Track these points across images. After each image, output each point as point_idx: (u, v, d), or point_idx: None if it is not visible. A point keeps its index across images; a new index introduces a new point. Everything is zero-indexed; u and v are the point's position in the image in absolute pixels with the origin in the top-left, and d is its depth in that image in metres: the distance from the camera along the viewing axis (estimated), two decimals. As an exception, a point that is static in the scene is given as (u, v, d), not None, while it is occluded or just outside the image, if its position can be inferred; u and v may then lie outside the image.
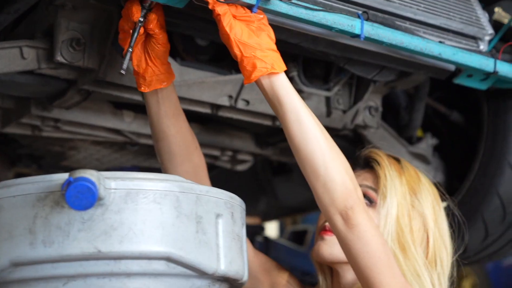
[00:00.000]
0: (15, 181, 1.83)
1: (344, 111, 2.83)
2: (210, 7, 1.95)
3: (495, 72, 2.45)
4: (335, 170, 1.97)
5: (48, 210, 1.77)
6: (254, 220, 4.59)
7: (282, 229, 7.85)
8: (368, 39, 2.21)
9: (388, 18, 2.26)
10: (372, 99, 2.88)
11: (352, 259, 2.03)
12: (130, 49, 2.06)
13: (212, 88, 2.55)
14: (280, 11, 2.04)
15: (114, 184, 1.79)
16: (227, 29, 1.94)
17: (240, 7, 1.99)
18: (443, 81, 3.02)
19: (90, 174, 1.69)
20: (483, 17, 2.56)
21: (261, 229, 4.73)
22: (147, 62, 2.13)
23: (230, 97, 2.59)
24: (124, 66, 2.05)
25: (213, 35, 2.45)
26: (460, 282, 8.86)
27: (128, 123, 2.83)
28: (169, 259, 1.82)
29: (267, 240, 4.75)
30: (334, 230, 2.02)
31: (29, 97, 2.58)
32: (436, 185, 2.43)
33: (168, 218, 1.82)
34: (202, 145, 2.85)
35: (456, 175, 3.20)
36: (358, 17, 2.18)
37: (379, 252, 2.01)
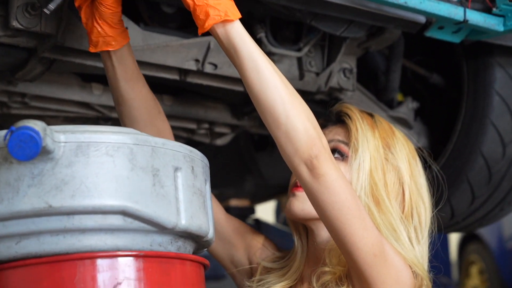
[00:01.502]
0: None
1: (317, 74, 2.76)
2: None
3: (465, 21, 2.38)
4: (297, 117, 1.91)
5: (-4, 167, 1.72)
6: (243, 202, 4.54)
7: (278, 213, 7.78)
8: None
9: None
10: (346, 61, 2.82)
11: (321, 212, 1.98)
12: None
13: (177, 52, 2.49)
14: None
15: (63, 137, 1.73)
16: None
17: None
18: (421, 44, 2.97)
19: (34, 124, 1.63)
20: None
21: (251, 211, 4.68)
22: (93, 21, 2.07)
23: (197, 61, 2.54)
24: (50, 6, 2.01)
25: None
26: (468, 268, 8.80)
27: (98, 96, 2.78)
28: (125, 213, 1.77)
29: (258, 222, 4.70)
30: (301, 182, 1.97)
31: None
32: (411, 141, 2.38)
33: (122, 171, 1.77)
34: (176, 117, 2.82)
35: (440, 139, 3.14)
36: None
37: (348, 203, 1.95)
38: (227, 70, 2.59)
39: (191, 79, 2.63)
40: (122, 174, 1.77)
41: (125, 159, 1.78)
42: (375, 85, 3.18)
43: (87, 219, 1.75)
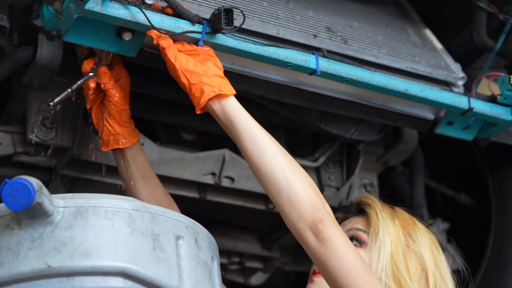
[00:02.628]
0: (-34, 210, 1.83)
1: (338, 188, 2.79)
2: (154, 42, 2.02)
3: (470, 109, 2.41)
4: (298, 183, 1.93)
5: (-1, 233, 1.76)
6: None
7: None
8: (325, 75, 2.22)
9: (345, 60, 2.28)
10: (367, 177, 2.85)
11: (330, 279, 1.93)
12: (68, 90, 2.13)
13: (192, 165, 2.56)
14: (228, 45, 2.09)
15: (62, 202, 1.77)
16: (172, 60, 1.99)
17: (186, 43, 2.05)
18: (448, 167, 2.99)
19: (28, 177, 1.69)
20: (452, 63, 2.56)
21: None
22: (103, 121, 2.18)
23: (213, 174, 2.59)
24: (55, 100, 2.11)
25: (196, 123, 2.52)
26: None
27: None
28: (125, 275, 1.76)
29: None
30: (307, 249, 1.94)
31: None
32: (434, 233, 2.36)
33: (121, 233, 1.78)
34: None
35: (474, 257, 3.07)
36: (313, 53, 2.21)
37: (357, 266, 1.91)
38: (244, 183, 2.63)
39: (211, 197, 2.67)
40: (121, 237, 1.78)
41: (124, 223, 1.79)
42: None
43: (87, 281, 1.74)
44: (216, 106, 1.99)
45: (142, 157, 2.25)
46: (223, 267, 3.13)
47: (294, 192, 1.91)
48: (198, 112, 2.01)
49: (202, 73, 1.99)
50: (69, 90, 2.11)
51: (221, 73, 2.03)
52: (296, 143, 2.79)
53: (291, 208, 1.92)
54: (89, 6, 1.91)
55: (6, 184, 1.66)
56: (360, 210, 2.33)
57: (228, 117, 1.98)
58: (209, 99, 1.97)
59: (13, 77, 2.35)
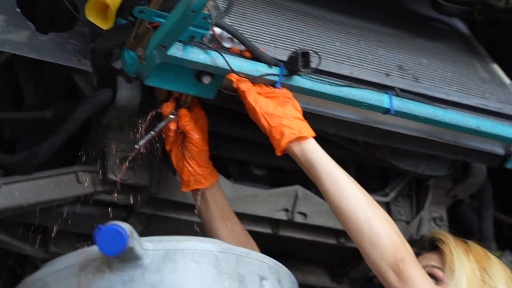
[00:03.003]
0: (59, 257, 1.89)
1: (408, 222, 2.81)
2: (234, 85, 2.07)
3: (540, 146, 2.42)
4: (379, 224, 1.96)
5: (91, 277, 1.81)
6: None
7: None
8: (400, 115, 2.25)
9: (418, 98, 2.31)
10: (436, 211, 2.86)
11: None
12: (152, 133, 2.17)
13: (266, 201, 2.60)
14: (304, 86, 2.14)
15: (151, 246, 1.82)
16: (253, 103, 2.04)
17: (264, 86, 2.10)
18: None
19: (120, 223, 1.74)
20: (524, 98, 2.58)
21: None
22: (183, 162, 2.23)
23: (286, 210, 2.63)
24: (140, 143, 2.16)
25: (267, 159, 2.56)
26: None
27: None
28: (213, 316, 1.80)
29: None
30: None
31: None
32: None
33: (209, 276, 1.83)
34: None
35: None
36: (386, 93, 2.24)
37: None
38: (317, 219, 2.67)
39: (283, 232, 2.71)
40: (208, 279, 1.82)
41: (211, 265, 1.83)
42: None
43: (176, 322, 1.79)
44: (296, 148, 2.03)
45: (221, 196, 2.29)
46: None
47: (375, 233, 1.94)
48: (279, 154, 2.05)
49: (282, 116, 2.03)
50: (152, 133, 2.16)
51: (300, 115, 2.07)
52: (365, 178, 2.81)
53: (373, 249, 1.95)
54: (171, 52, 1.97)
55: (101, 230, 1.72)
56: (433, 246, 2.33)
57: (308, 159, 2.02)
58: (290, 141, 2.01)
59: (92, 117, 2.41)
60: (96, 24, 2.00)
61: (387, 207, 2.79)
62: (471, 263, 2.23)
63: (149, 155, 2.42)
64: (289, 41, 2.26)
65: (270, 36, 2.23)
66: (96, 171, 2.43)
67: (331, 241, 2.78)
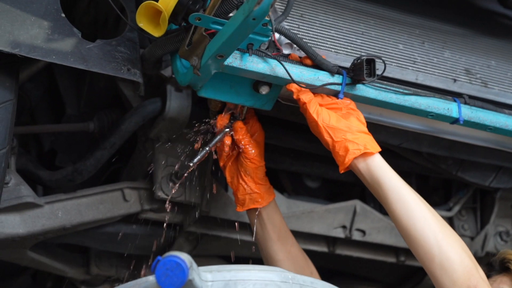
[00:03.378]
0: (115, 288, 1.77)
1: (472, 238, 2.64)
2: (294, 96, 1.91)
3: None
4: (451, 248, 1.79)
5: (145, 309, 1.67)
6: None
7: None
8: (469, 124, 2.09)
9: (487, 105, 2.14)
10: (502, 224, 2.69)
11: None
12: (207, 148, 2.01)
13: (322, 218, 2.45)
14: (368, 96, 1.98)
15: (210, 276, 1.68)
16: (314, 115, 1.88)
17: (326, 96, 1.95)
18: None
19: (180, 253, 1.59)
20: None
21: None
22: (238, 179, 2.08)
23: (344, 227, 2.47)
24: (194, 160, 2.00)
25: (322, 171, 2.42)
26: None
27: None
28: None
29: None
30: None
31: (139, 254, 2.53)
32: None
33: (271, 307, 1.68)
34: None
35: None
36: (454, 101, 2.08)
37: None
38: (376, 237, 2.51)
39: (340, 251, 2.56)
40: (271, 310, 1.68)
41: (274, 296, 1.69)
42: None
43: None
44: (361, 164, 1.87)
45: (278, 216, 2.14)
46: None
47: (446, 258, 1.78)
48: (342, 171, 1.89)
49: (346, 130, 1.87)
50: (207, 148, 2.01)
51: (365, 128, 1.91)
52: (427, 190, 2.64)
53: (443, 274, 1.78)
54: (228, 61, 1.82)
55: (160, 263, 1.56)
56: (504, 267, 2.17)
57: (374, 176, 1.86)
58: (354, 158, 1.85)
59: (138, 129, 2.27)
60: (148, 31, 1.86)
61: (450, 221, 2.62)
62: None
63: (200, 170, 2.28)
64: (351, 45, 2.10)
65: (330, 39, 2.07)
66: (143, 187, 2.29)
67: (391, 259, 2.63)
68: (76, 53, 1.91)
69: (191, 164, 2.00)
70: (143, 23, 1.87)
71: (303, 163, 2.48)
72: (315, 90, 1.93)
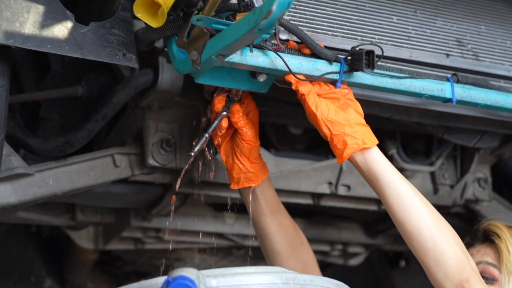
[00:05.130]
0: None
1: (452, 186, 2.70)
2: (293, 87, 1.90)
3: None
4: (445, 242, 1.85)
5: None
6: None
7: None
8: (460, 103, 2.11)
9: (479, 79, 2.15)
10: (480, 170, 2.76)
11: None
12: (206, 135, 2.02)
13: (310, 176, 2.48)
14: (365, 83, 1.98)
15: (215, 282, 1.70)
16: (313, 108, 1.88)
17: (323, 84, 1.94)
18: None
19: (189, 272, 1.62)
20: None
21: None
22: (233, 158, 2.09)
23: (330, 183, 2.52)
24: (194, 149, 2.02)
25: (305, 121, 2.42)
26: None
27: (231, 225, 2.78)
28: None
29: None
30: None
31: (127, 207, 2.56)
32: None
33: (275, 308, 1.73)
34: (310, 240, 2.77)
35: None
36: (448, 80, 2.09)
37: None
38: (360, 190, 2.56)
39: (325, 203, 2.61)
40: (274, 312, 1.73)
41: (276, 299, 1.74)
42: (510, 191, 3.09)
43: None
44: (358, 158, 1.89)
45: (271, 191, 2.17)
46: (324, 254, 3.10)
47: (441, 251, 1.84)
48: (339, 162, 1.92)
49: (344, 123, 1.88)
50: (206, 135, 2.01)
51: (363, 120, 1.92)
52: (410, 146, 2.68)
53: (437, 268, 1.85)
54: (228, 57, 1.79)
55: (170, 285, 1.60)
56: (487, 239, 2.23)
57: (371, 170, 1.89)
58: (352, 153, 1.87)
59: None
60: (145, 21, 1.82)
61: (432, 175, 2.67)
62: None
63: (190, 136, 2.28)
64: (347, 23, 2.06)
65: (327, 19, 2.03)
66: (133, 153, 2.30)
67: (373, 207, 2.69)
68: (70, 40, 1.86)
69: (192, 154, 2.00)
70: (141, 13, 1.82)
71: (288, 115, 2.47)
72: (312, 78, 1.92)
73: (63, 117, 2.49)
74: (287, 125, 2.60)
